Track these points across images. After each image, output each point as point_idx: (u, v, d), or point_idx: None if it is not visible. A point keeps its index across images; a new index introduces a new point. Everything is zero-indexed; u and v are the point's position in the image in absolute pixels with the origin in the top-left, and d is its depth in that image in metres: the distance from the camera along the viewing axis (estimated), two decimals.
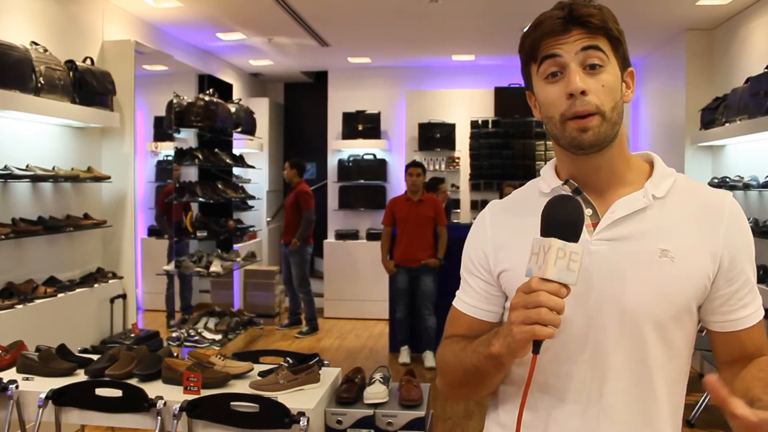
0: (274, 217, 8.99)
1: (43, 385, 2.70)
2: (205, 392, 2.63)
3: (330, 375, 2.94)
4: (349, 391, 2.82)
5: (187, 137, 6.63)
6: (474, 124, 8.19)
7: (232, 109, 6.70)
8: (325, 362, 3.04)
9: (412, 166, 6.26)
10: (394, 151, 8.55)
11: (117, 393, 2.62)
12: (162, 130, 6.76)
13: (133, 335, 4.79)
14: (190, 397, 2.59)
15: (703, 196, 1.25)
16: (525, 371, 1.12)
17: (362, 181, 8.43)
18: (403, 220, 6.21)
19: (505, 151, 8.07)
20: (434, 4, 5.54)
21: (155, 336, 5.00)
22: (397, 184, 8.45)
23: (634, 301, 1.18)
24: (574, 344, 1.20)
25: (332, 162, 8.57)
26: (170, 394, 2.63)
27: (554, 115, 1.18)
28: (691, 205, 1.23)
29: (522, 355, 1.13)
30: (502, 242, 1.30)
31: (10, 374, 2.87)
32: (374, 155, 8.45)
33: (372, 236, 8.18)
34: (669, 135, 7.12)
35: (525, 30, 1.24)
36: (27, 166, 4.18)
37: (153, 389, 2.66)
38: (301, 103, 9.49)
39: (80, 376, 2.88)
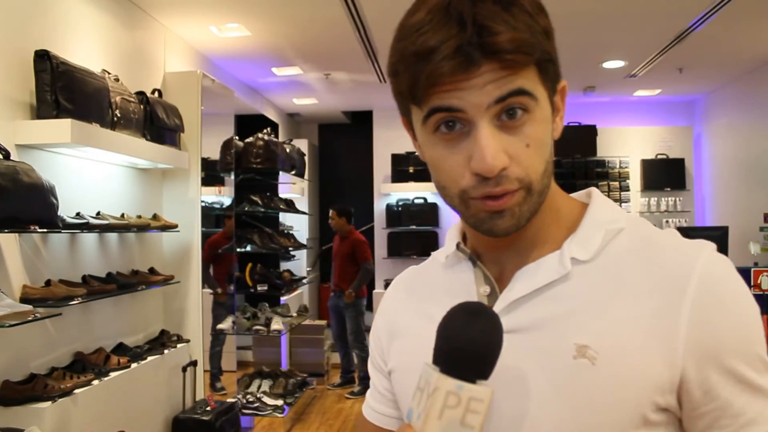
0: (313, 267, 8.36)
1: None
2: None
3: None
4: None
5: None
6: None
7: (287, 150, 6.15)
8: None
9: None
10: None
11: None
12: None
13: (209, 408, 4.12)
14: None
15: (658, 256, 0.79)
16: None
17: (413, 227, 7.84)
18: None
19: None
20: None
21: (232, 408, 4.33)
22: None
23: (538, 424, 0.78)
24: None
25: (379, 206, 8.00)
26: None
27: (450, 188, 0.79)
28: (636, 272, 0.79)
29: None
30: (395, 329, 0.96)
31: None
32: (425, 199, 7.87)
33: None
34: (751, 173, 6.65)
35: (397, 46, 0.76)
36: (98, 214, 3.56)
37: None
38: (336, 145, 8.96)
39: None
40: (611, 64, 6.29)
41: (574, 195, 0.91)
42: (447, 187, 0.79)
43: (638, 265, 0.78)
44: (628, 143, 7.90)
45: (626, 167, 7.89)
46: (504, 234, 0.78)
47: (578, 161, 7.77)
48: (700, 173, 7.97)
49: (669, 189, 7.79)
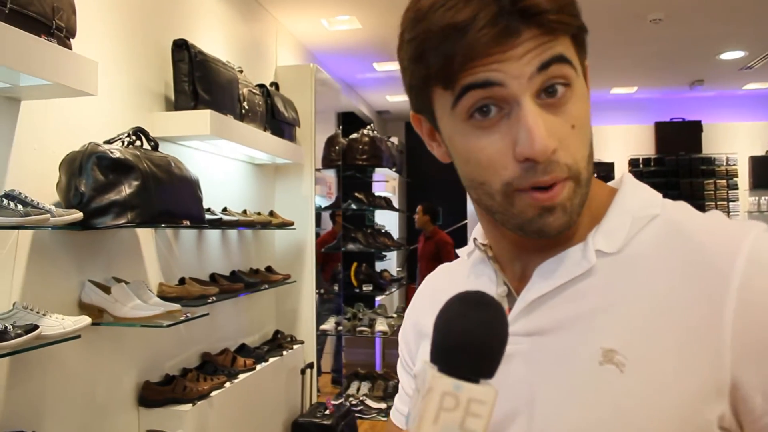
0: (402, 267, 8.20)
1: None
2: None
3: None
4: None
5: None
6: (633, 163, 7.41)
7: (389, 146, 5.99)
8: None
9: None
10: None
11: None
12: None
13: (328, 412, 3.98)
14: None
15: (696, 242, 0.67)
16: None
17: None
18: None
19: (671, 192, 7.20)
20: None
21: (349, 412, 4.18)
22: None
23: None
24: None
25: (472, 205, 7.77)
26: None
27: (491, 182, 0.68)
28: (669, 261, 0.67)
29: None
30: (422, 330, 0.88)
31: None
32: None
33: None
34: None
35: (418, 27, 0.67)
36: (225, 210, 3.45)
37: None
38: (424, 143, 8.77)
39: None
40: (729, 55, 5.94)
41: (610, 183, 0.79)
42: (486, 182, 0.68)
43: (672, 254, 0.68)
44: (736, 139, 7.51)
45: (734, 164, 7.49)
46: (556, 233, 0.68)
47: (682, 159, 7.42)
48: None
49: None
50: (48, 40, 1.90)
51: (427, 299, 0.90)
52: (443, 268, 0.94)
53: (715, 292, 0.64)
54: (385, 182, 7.03)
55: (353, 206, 5.55)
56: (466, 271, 0.85)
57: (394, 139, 7.73)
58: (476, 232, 0.85)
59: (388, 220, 7.51)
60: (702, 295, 0.65)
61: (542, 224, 0.67)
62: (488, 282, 0.79)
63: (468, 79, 0.64)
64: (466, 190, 0.76)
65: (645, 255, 0.69)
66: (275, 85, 4.12)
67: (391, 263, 7.52)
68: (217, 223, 3.15)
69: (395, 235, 7.73)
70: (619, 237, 0.71)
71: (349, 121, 6.68)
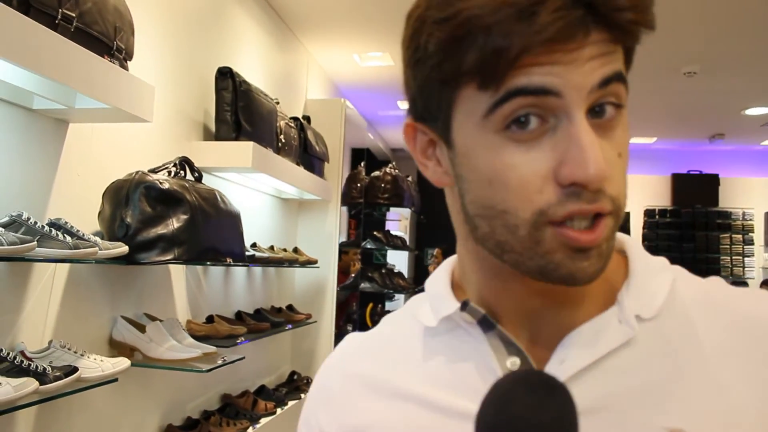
0: None
1: None
2: None
3: None
4: None
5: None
6: (649, 213, 7.32)
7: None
8: None
9: None
10: None
11: None
12: None
13: None
14: None
15: (733, 306, 0.60)
16: None
17: None
18: None
19: (686, 244, 7.12)
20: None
21: None
22: None
23: None
24: None
25: None
26: None
27: (517, 210, 0.54)
28: (715, 327, 0.59)
29: None
30: (358, 426, 0.66)
31: None
32: None
33: None
34: None
35: (456, 6, 0.52)
36: (254, 245, 3.31)
37: None
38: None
39: None
40: (754, 111, 5.90)
41: None
42: (511, 210, 0.55)
43: (713, 319, 0.60)
44: (753, 194, 7.46)
45: (750, 220, 7.43)
46: (587, 282, 0.55)
47: (698, 211, 7.35)
48: None
49: None
50: (110, 61, 1.78)
51: (361, 382, 0.69)
52: (360, 341, 0.74)
53: None
54: (399, 221, 6.90)
55: (369, 245, 5.41)
56: (427, 340, 0.67)
57: (410, 178, 7.65)
58: (444, 291, 0.67)
59: (397, 260, 7.38)
60: (763, 363, 0.57)
61: (574, 269, 0.54)
62: (480, 352, 0.62)
63: (519, 81, 0.51)
64: (463, 223, 0.61)
65: (685, 320, 0.60)
66: (308, 118, 4.01)
67: (398, 303, 7.35)
68: (251, 260, 3.01)
69: (405, 275, 7.59)
70: (656, 299, 0.61)
71: (365, 157, 6.59)
